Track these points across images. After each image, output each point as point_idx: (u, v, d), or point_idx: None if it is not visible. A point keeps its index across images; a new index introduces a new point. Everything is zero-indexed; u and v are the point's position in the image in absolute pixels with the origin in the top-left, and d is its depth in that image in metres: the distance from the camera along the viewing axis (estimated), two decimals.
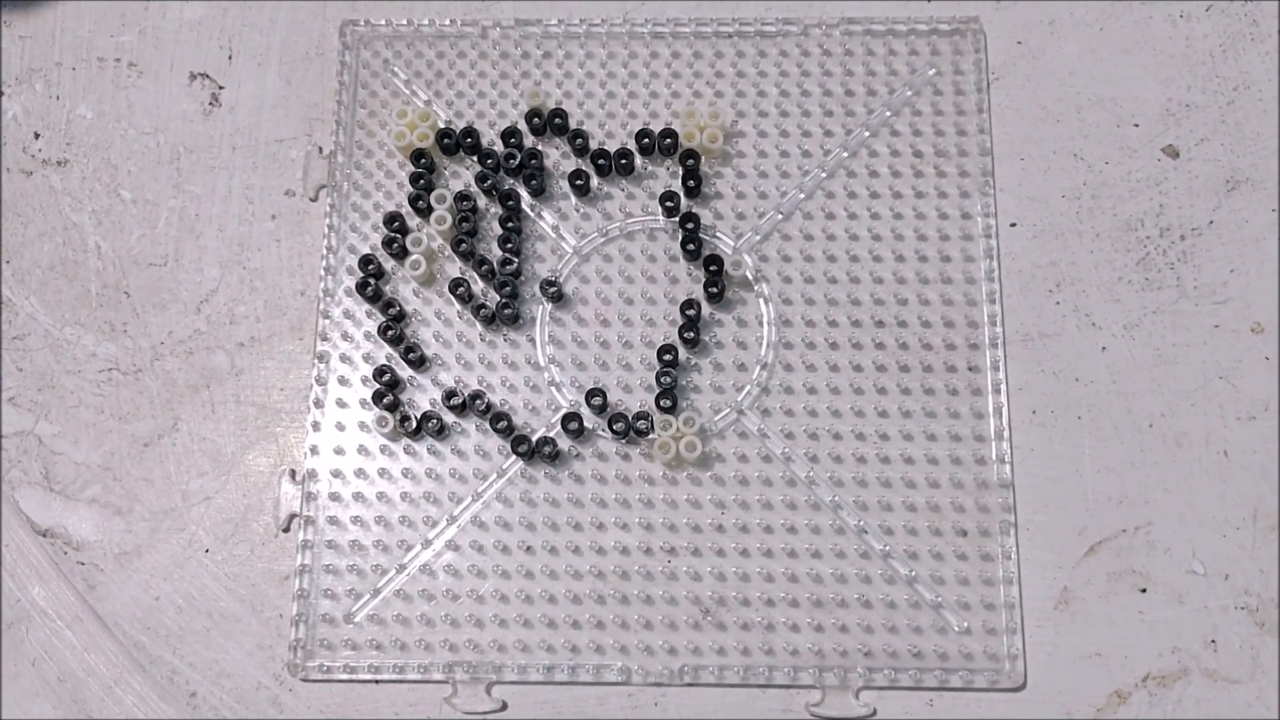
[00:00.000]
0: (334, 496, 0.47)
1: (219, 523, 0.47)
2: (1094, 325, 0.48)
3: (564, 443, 0.47)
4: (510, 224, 0.49)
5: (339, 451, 0.47)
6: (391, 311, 0.48)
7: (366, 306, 0.49)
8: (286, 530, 0.47)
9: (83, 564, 0.47)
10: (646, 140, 0.50)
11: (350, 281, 0.49)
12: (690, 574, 0.45)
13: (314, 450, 0.47)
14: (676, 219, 0.49)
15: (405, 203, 0.50)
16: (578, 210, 0.50)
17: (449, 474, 0.47)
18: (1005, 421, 0.47)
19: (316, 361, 0.48)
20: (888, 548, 0.45)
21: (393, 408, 0.47)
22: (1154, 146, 0.50)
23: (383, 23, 0.53)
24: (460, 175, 0.51)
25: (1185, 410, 0.47)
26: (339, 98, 0.52)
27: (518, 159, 0.50)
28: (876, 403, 0.47)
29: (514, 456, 0.47)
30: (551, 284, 0.48)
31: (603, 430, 0.47)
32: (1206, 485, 0.46)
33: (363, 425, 0.48)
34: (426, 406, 0.48)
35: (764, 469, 0.47)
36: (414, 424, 0.47)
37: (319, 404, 0.48)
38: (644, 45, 0.52)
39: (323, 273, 0.49)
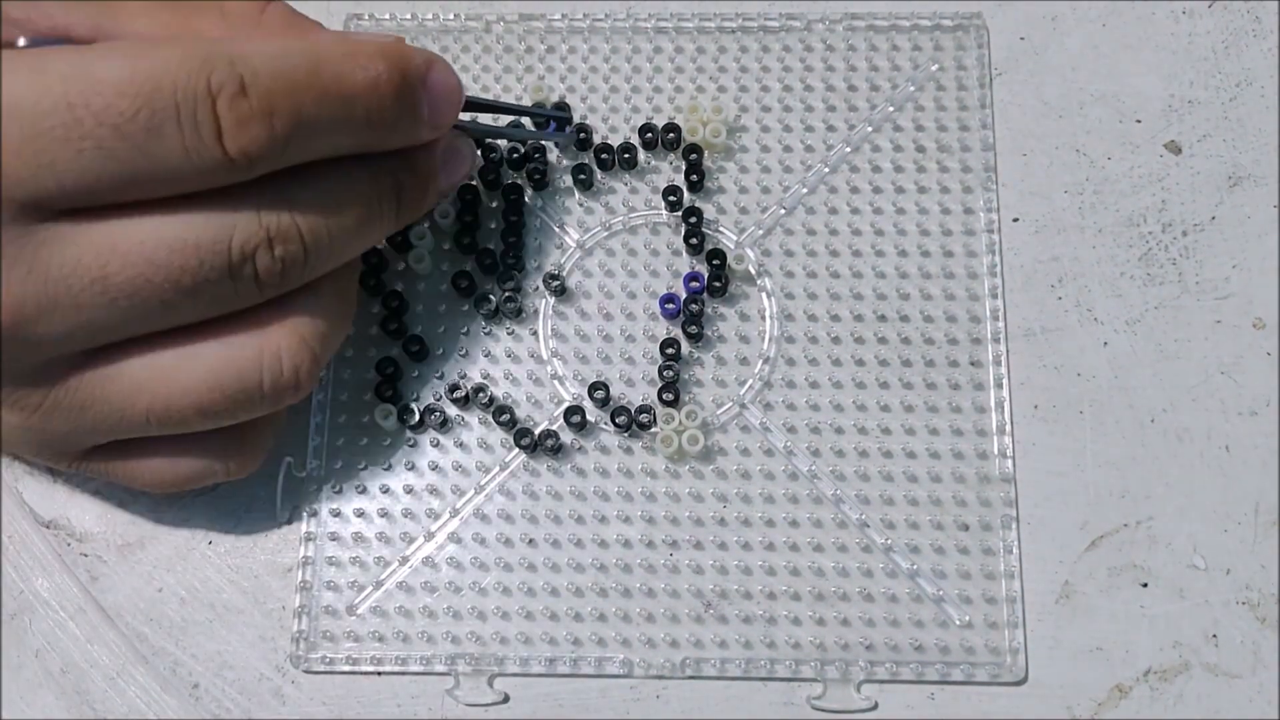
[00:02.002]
0: (336, 489, 0.47)
1: (222, 515, 0.47)
2: (1096, 320, 0.48)
3: (566, 436, 0.47)
4: (513, 217, 0.49)
5: (341, 443, 0.47)
6: (394, 304, 0.48)
7: (368, 299, 0.49)
8: (289, 522, 0.47)
9: (86, 555, 0.47)
10: (649, 135, 0.50)
11: None
12: (692, 567, 0.45)
13: (316, 441, 0.47)
14: (679, 213, 0.49)
15: None
16: (580, 204, 0.50)
17: (451, 467, 0.47)
18: (1007, 416, 0.47)
19: None
20: (889, 541, 0.45)
21: (395, 400, 0.47)
22: (1156, 142, 0.50)
23: (387, 17, 0.53)
24: None
25: (1187, 405, 0.47)
26: None
27: (520, 152, 0.50)
28: (878, 397, 0.47)
29: (516, 449, 0.47)
30: (554, 278, 0.48)
31: (605, 424, 0.47)
32: (1208, 480, 0.46)
33: (365, 418, 0.48)
34: (429, 400, 0.48)
35: (766, 463, 0.47)
36: (416, 417, 0.47)
37: (321, 395, 0.48)
38: (647, 40, 0.52)
39: None
